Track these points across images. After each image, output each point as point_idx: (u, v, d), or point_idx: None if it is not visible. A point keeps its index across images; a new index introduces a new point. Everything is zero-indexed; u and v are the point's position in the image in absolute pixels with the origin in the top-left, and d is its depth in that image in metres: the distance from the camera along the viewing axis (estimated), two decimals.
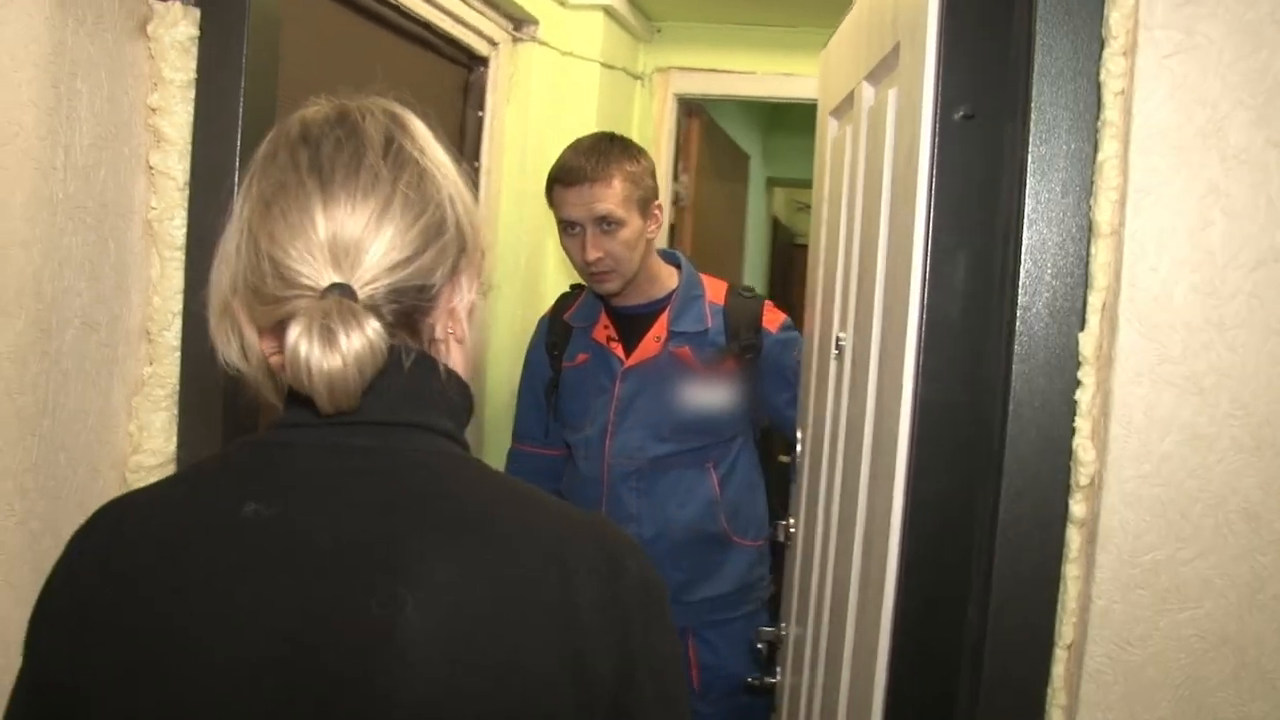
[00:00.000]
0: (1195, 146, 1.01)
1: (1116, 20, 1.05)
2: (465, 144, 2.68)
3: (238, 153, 1.34)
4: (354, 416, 0.79)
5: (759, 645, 2.00)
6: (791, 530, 2.06)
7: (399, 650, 0.73)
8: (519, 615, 0.76)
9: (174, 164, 1.34)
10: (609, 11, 2.99)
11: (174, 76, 1.33)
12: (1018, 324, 1.10)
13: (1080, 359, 1.07)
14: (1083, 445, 1.06)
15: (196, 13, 1.33)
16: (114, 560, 0.81)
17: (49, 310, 1.22)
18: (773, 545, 2.22)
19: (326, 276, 0.76)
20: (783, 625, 2.08)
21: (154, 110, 1.34)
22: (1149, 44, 1.03)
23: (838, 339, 1.73)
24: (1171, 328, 1.02)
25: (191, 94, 1.34)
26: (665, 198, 3.42)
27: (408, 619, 0.73)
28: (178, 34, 1.32)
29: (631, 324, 2.16)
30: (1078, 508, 1.07)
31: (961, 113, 1.24)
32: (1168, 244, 1.01)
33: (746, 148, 4.60)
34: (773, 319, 2.16)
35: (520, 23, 2.77)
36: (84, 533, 0.84)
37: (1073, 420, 1.08)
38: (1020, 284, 1.10)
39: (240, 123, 1.35)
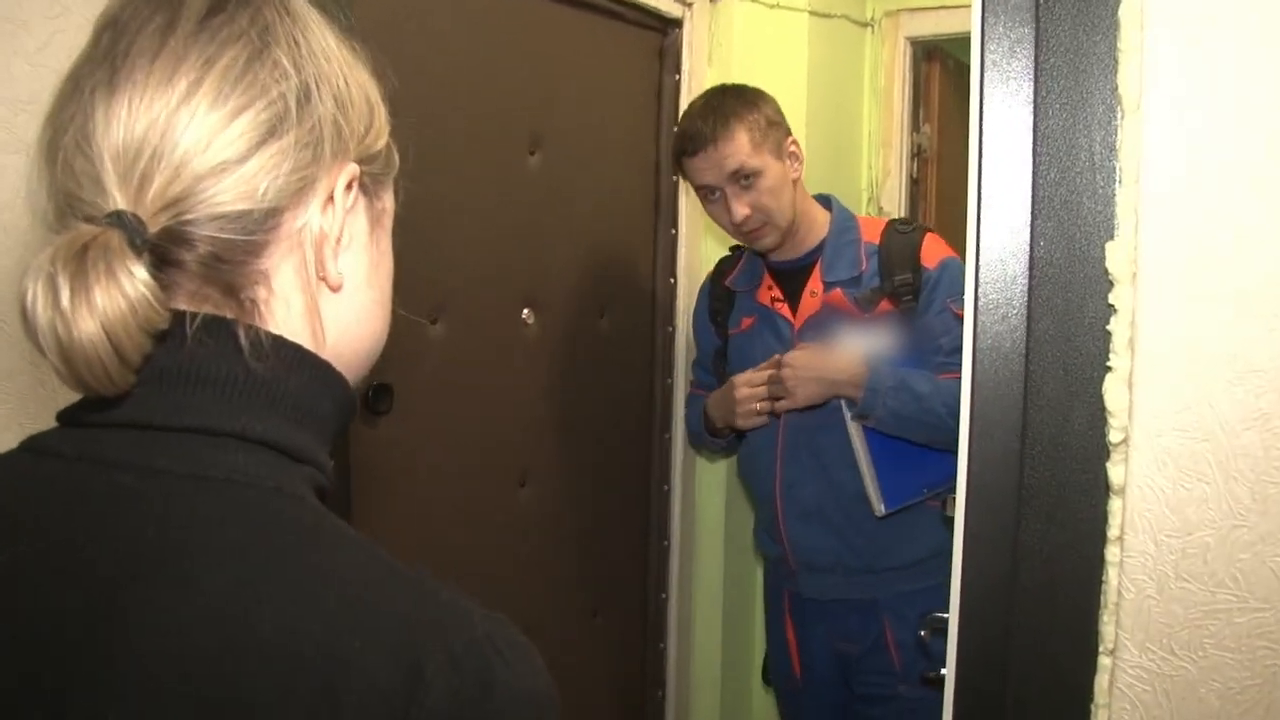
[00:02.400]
0: None
1: None
2: (663, 109, 2.63)
3: None
4: (112, 415, 0.57)
5: (920, 632, 1.76)
6: None
7: None
8: None
9: None
10: None
11: None
12: (1034, 235, 0.87)
13: (1111, 277, 0.82)
14: (1112, 390, 0.81)
15: None
16: None
17: None
18: None
19: (111, 199, 0.55)
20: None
21: None
22: None
23: None
24: (1209, 220, 0.74)
25: None
26: (904, 150, 3.14)
27: None
28: None
29: (792, 281, 2.01)
30: (1115, 471, 0.82)
31: None
32: (1199, 105, 0.74)
33: None
34: (933, 253, 1.89)
35: None
36: None
37: (1106, 358, 0.83)
38: (1033, 185, 0.86)
39: None
